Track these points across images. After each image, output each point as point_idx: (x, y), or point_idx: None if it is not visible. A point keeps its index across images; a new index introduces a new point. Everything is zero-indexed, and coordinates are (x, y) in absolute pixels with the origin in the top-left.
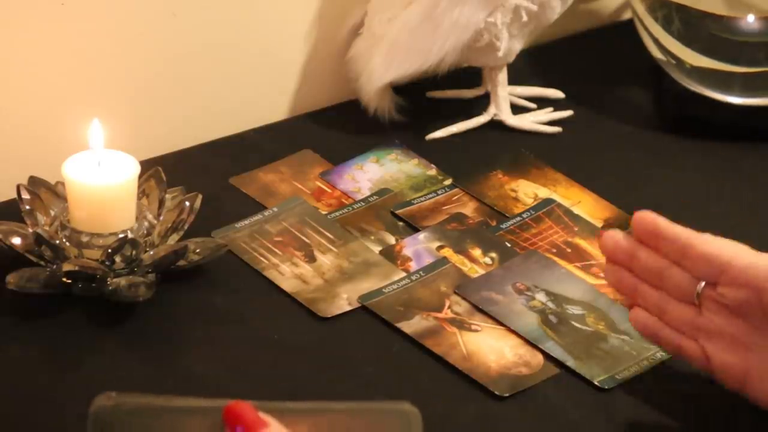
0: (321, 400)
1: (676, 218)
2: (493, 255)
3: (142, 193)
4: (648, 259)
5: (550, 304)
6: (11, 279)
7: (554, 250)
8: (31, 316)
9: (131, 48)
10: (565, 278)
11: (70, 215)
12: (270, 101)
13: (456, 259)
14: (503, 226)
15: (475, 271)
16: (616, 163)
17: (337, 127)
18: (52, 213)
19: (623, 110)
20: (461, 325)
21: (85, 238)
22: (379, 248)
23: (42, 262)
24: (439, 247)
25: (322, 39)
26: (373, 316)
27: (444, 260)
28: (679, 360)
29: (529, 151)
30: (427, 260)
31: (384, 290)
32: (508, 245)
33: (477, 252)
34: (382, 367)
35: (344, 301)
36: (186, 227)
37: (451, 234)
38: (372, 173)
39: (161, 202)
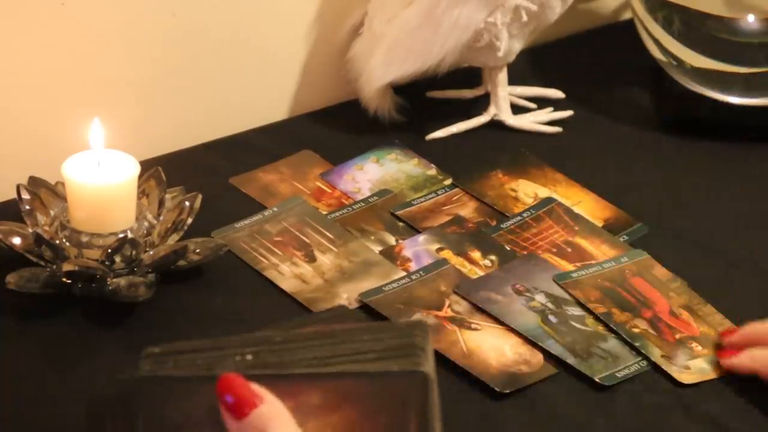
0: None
1: (676, 218)
2: (493, 257)
3: (142, 193)
4: None
5: (550, 305)
6: (11, 279)
7: (555, 250)
8: (31, 316)
9: (131, 48)
10: None
11: (70, 215)
12: (270, 101)
13: (456, 260)
14: (503, 225)
15: (475, 273)
16: (616, 163)
17: (337, 127)
18: (52, 213)
19: (623, 110)
20: (461, 323)
21: (85, 238)
22: (379, 248)
23: (42, 262)
24: (439, 249)
25: (322, 39)
26: (373, 315)
27: (444, 261)
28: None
29: (529, 151)
30: (427, 261)
31: (384, 288)
32: (508, 248)
33: (476, 254)
34: None
35: (344, 301)
36: (186, 227)
37: (450, 236)
38: (372, 173)
39: (161, 202)
